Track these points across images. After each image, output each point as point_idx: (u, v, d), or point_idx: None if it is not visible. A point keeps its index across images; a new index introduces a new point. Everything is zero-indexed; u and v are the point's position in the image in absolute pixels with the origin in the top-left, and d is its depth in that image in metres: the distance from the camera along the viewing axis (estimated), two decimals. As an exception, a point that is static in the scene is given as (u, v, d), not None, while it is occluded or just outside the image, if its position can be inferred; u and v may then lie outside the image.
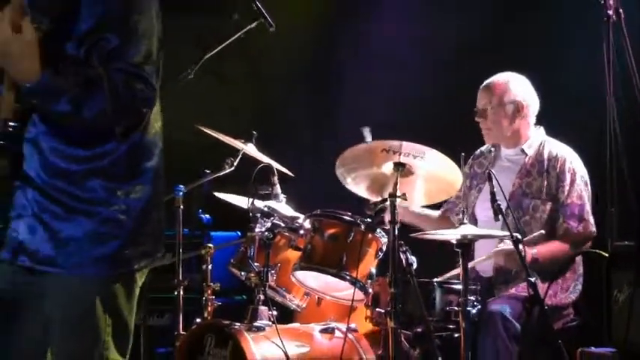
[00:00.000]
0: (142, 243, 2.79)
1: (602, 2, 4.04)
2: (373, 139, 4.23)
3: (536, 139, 4.64)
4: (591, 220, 4.51)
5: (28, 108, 2.72)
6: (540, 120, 4.71)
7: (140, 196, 2.79)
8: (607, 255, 3.95)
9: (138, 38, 2.71)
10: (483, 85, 4.67)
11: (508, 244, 4.30)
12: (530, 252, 4.25)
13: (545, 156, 4.58)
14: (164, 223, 2.91)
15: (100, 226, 2.73)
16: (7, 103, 2.66)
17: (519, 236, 4.09)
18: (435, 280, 4.35)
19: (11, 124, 2.66)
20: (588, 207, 4.52)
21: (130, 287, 2.81)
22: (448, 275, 4.46)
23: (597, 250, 4.13)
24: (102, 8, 2.69)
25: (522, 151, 4.63)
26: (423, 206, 4.71)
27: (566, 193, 4.50)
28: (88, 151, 2.74)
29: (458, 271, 4.29)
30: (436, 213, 4.87)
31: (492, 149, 4.76)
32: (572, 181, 4.51)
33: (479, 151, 4.83)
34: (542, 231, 4.45)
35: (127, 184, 2.78)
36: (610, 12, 4.04)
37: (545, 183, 4.55)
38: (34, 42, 2.57)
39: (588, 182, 4.58)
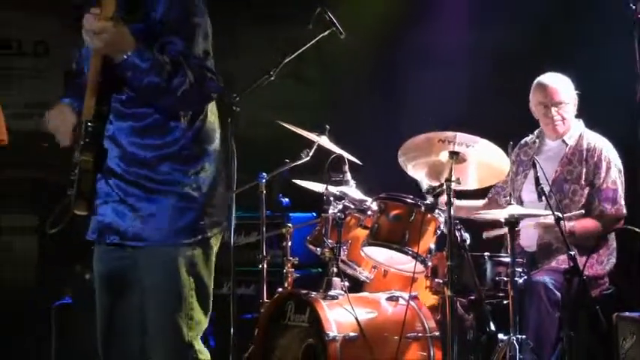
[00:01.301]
0: (213, 214, 2.90)
1: (634, 8, 3.93)
2: (431, 130, 4.22)
3: (576, 131, 4.69)
4: (623, 203, 4.55)
5: (106, 109, 2.82)
6: (581, 113, 4.73)
7: (207, 175, 2.89)
8: (640, 231, 4.01)
9: (198, 38, 2.80)
10: (553, 82, 4.68)
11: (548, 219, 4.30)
12: (569, 224, 4.29)
13: (584, 147, 4.63)
14: (228, 196, 3.04)
15: (176, 202, 2.83)
16: (88, 107, 2.77)
17: (560, 215, 4.11)
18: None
19: (90, 124, 2.76)
20: (621, 192, 4.56)
21: (207, 253, 2.91)
22: (494, 233, 4.49)
23: (631, 227, 4.13)
24: (166, 14, 2.79)
25: (563, 141, 4.67)
26: (469, 192, 4.63)
27: (602, 179, 4.54)
28: (160, 139, 2.83)
29: (502, 231, 4.31)
30: (481, 202, 4.89)
31: (536, 140, 4.80)
32: (608, 169, 4.56)
33: (523, 141, 4.85)
34: (582, 211, 4.49)
35: (195, 164, 2.87)
36: None
37: (584, 170, 4.59)
38: (125, 28, 2.69)
39: (622, 170, 4.60)
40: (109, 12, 2.67)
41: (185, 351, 2.86)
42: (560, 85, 4.65)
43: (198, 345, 2.90)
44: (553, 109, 4.63)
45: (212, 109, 2.95)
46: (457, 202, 4.45)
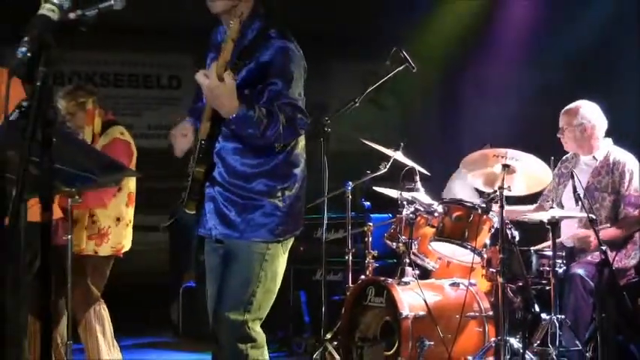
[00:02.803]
0: (289, 223, 3.04)
1: None
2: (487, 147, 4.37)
3: (605, 148, 4.76)
4: None
5: (217, 131, 2.95)
6: (611, 133, 4.80)
7: (292, 192, 3.02)
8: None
9: (294, 82, 2.93)
10: (563, 110, 4.77)
11: (580, 231, 4.51)
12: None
13: (611, 161, 4.70)
14: (303, 211, 3.14)
15: (263, 210, 2.98)
16: (204, 128, 2.96)
17: (594, 217, 4.26)
18: (532, 248, 4.49)
19: (203, 142, 2.95)
20: None
21: (279, 254, 3.05)
22: (541, 246, 4.61)
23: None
24: (271, 60, 2.93)
25: (594, 157, 4.76)
26: (521, 197, 4.68)
27: (625, 187, 4.62)
28: (257, 159, 2.97)
29: (548, 243, 4.48)
30: (532, 206, 4.93)
31: (573, 156, 4.89)
32: (631, 179, 4.63)
33: (564, 157, 4.93)
34: (608, 225, 4.56)
35: (283, 182, 3.01)
36: None
37: (610, 181, 4.65)
38: (233, 87, 2.79)
39: None
40: (222, 65, 2.80)
41: (239, 326, 2.94)
42: (568, 111, 4.73)
43: (256, 327, 2.98)
44: (565, 131, 4.74)
45: (301, 138, 3.09)
46: (509, 207, 4.63)
